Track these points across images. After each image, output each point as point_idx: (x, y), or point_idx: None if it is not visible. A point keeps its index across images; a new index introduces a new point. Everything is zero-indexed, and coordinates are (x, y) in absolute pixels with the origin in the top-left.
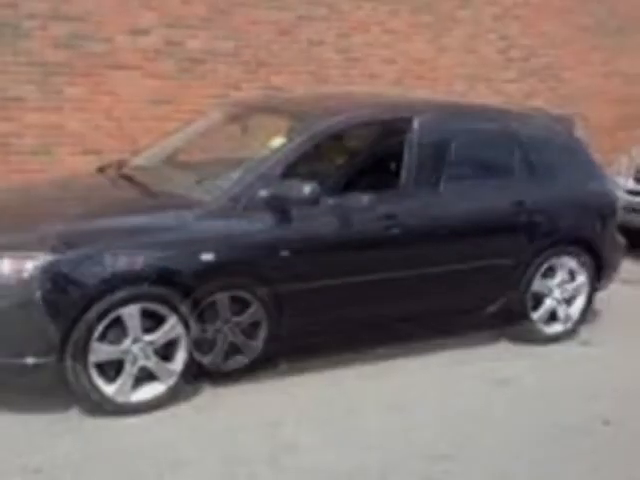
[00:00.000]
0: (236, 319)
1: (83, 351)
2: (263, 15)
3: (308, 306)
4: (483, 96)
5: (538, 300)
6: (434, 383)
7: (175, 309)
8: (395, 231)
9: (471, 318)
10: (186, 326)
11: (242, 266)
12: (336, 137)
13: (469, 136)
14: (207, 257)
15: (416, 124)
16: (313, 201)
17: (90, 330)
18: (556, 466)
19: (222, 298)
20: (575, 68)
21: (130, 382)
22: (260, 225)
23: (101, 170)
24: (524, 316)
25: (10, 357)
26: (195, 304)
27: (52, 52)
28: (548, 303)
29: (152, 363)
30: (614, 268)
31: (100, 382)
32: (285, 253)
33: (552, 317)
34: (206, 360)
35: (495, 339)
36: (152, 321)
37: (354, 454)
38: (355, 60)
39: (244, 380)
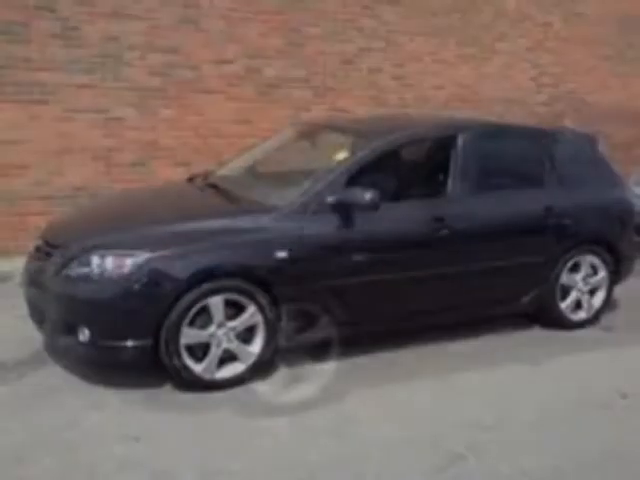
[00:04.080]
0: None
1: (175, 335)
2: (329, 47)
3: (367, 298)
4: (518, 117)
5: (565, 292)
6: (477, 364)
7: (254, 299)
8: (443, 232)
9: (508, 307)
10: (264, 314)
11: (312, 262)
12: (393, 152)
13: (506, 151)
14: (282, 254)
15: (460, 140)
16: (373, 206)
17: (181, 317)
18: (586, 436)
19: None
20: (598, 92)
21: (215, 362)
22: (327, 227)
23: (190, 180)
24: (553, 305)
25: (113, 340)
26: (271, 295)
27: (148, 79)
28: (574, 294)
29: (234, 346)
30: (631, 264)
31: (190, 362)
32: (349, 251)
33: (577, 306)
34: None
35: (529, 326)
36: (234, 309)
37: (407, 425)
38: (409, 86)
39: (312, 361)
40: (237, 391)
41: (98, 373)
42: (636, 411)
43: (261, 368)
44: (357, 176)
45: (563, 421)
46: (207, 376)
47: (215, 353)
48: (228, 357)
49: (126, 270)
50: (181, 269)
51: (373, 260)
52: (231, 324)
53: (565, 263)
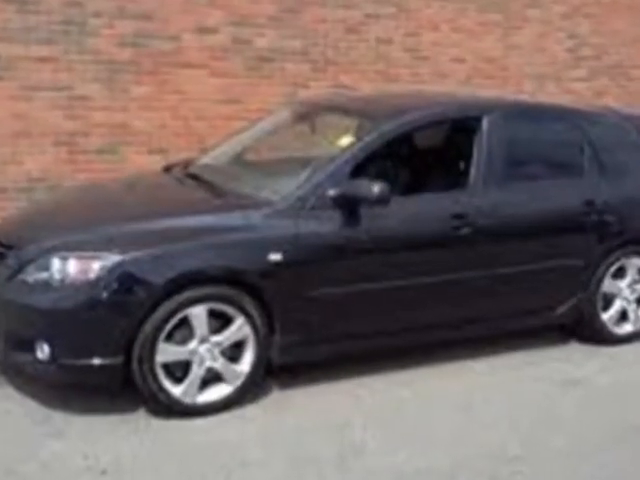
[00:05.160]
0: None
1: (150, 352)
2: (331, 13)
3: (375, 308)
4: (552, 95)
5: (608, 301)
6: (503, 385)
7: (243, 310)
8: (464, 231)
9: (540, 319)
10: (254, 327)
11: (310, 266)
12: (405, 136)
13: (538, 135)
14: (275, 257)
15: (485, 123)
16: (382, 201)
17: (157, 331)
18: (627, 467)
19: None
20: None
21: (197, 383)
22: (328, 225)
23: (167, 169)
24: (594, 317)
25: (77, 358)
26: (263, 305)
27: (118, 50)
28: (618, 303)
29: (219, 364)
30: None
31: (167, 383)
32: (354, 254)
33: (622, 317)
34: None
35: (564, 340)
36: (220, 321)
37: (422, 455)
38: (424, 59)
39: (311, 381)
40: (223, 417)
41: (59, 396)
42: None
43: (251, 390)
44: (363, 165)
45: (601, 449)
46: (187, 400)
47: (197, 373)
48: (212, 377)
49: (92, 275)
50: (157, 274)
51: (382, 264)
52: (216, 339)
53: (608, 267)
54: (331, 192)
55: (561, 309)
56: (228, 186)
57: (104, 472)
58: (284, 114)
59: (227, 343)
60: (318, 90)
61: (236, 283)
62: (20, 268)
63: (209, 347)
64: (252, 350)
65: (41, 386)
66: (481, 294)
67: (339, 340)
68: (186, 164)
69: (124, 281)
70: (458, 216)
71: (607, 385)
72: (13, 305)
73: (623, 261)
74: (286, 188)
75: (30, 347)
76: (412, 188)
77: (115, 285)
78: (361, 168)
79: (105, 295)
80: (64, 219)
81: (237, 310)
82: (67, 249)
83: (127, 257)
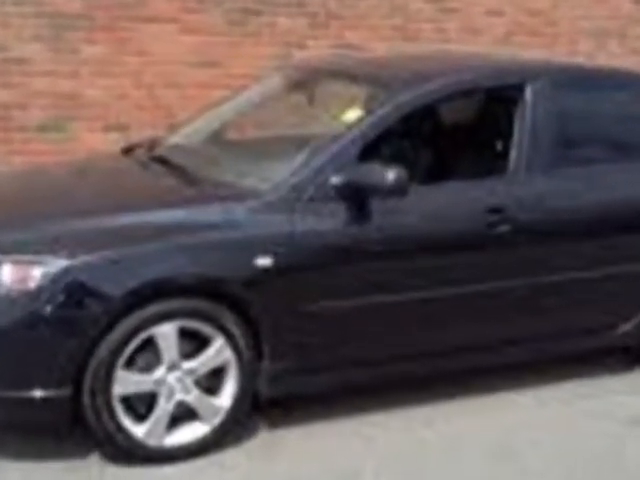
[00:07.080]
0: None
1: (105, 382)
2: None
3: (389, 325)
4: (615, 57)
5: None
6: (552, 423)
7: (222, 328)
8: (502, 229)
9: (598, 340)
10: (236, 350)
11: (308, 273)
12: (427, 109)
13: (597, 108)
14: (263, 262)
15: (529, 93)
16: (399, 190)
17: (114, 355)
18: None
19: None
20: None
21: (165, 421)
22: (331, 222)
23: (128, 151)
24: None
25: (13, 389)
26: (248, 322)
27: (65, 1)
28: None
29: (192, 397)
30: None
31: (127, 421)
32: (363, 257)
33: None
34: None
35: (629, 367)
36: (193, 344)
37: None
38: (451, 11)
39: (309, 419)
40: (198, 464)
41: None
42: None
43: (233, 430)
44: (375, 146)
45: None
46: (153, 442)
47: (164, 408)
48: (184, 414)
49: (32, 284)
50: (114, 283)
51: (398, 270)
52: (188, 365)
53: None
54: (334, 180)
55: (625, 327)
56: (204, 172)
57: None
58: (275, 81)
59: (203, 370)
60: (318, 51)
61: (214, 295)
62: None
63: (180, 376)
64: (234, 380)
65: None
66: (523, 309)
67: (344, 367)
68: (151, 144)
69: (73, 292)
70: (494, 210)
71: None
72: None
73: None
74: (277, 175)
75: None
76: (436, 175)
77: (61, 297)
78: (372, 149)
79: (48, 310)
80: None
81: (215, 329)
82: (1, 252)
83: (76, 262)
